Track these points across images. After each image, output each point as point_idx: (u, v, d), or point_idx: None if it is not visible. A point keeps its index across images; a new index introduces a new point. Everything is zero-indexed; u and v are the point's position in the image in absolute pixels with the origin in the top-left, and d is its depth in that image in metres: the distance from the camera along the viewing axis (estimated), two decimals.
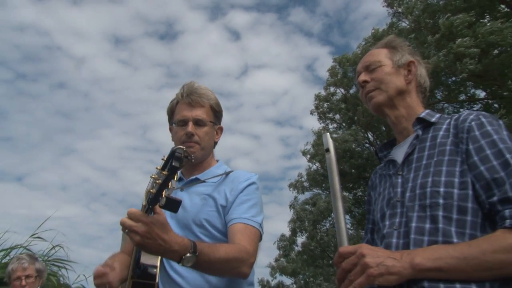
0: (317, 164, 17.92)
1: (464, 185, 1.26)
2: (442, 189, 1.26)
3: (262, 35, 33.39)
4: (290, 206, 18.51)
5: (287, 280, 19.92)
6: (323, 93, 18.66)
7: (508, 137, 1.29)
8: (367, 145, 17.68)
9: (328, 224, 17.90)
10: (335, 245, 16.56)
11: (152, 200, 1.26)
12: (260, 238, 1.76)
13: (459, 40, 9.78)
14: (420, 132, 1.44)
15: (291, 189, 18.84)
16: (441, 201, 1.25)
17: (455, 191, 1.26)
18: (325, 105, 18.61)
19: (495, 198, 1.20)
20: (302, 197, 18.58)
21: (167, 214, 1.66)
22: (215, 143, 1.98)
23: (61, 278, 6.83)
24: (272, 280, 20.36)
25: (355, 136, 16.38)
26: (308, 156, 17.96)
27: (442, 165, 1.31)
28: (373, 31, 14.01)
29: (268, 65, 35.48)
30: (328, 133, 1.39)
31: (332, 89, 18.33)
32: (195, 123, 1.86)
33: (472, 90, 13.18)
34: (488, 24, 10.07)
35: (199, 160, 1.91)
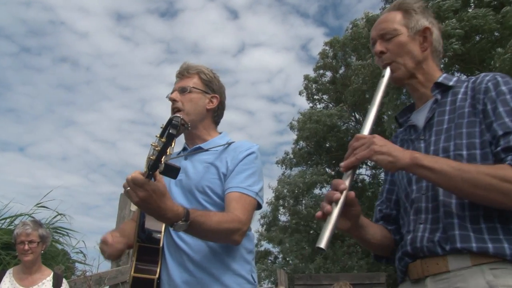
0: (302, 143, 18.53)
1: (484, 144, 1.27)
2: (465, 152, 1.28)
3: (259, 14, 33.85)
4: (278, 181, 18.90)
5: (274, 250, 20.51)
6: (312, 74, 19.14)
7: None
8: (353, 123, 18.36)
9: (310, 199, 18.33)
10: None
11: (152, 166, 1.31)
12: (257, 206, 1.82)
13: (446, 21, 10.47)
14: (439, 97, 1.44)
15: (278, 165, 19.31)
16: (465, 163, 1.26)
17: (477, 151, 1.27)
18: (314, 86, 19.17)
19: (499, 148, 1.23)
20: (288, 173, 18.98)
21: (172, 181, 1.81)
22: (212, 111, 2.01)
23: (61, 246, 7.09)
24: (259, 247, 20.95)
25: (341, 112, 16.95)
26: (296, 132, 18.45)
27: (462, 128, 1.32)
28: (365, 13, 14.52)
29: (265, 44, 36.09)
30: (388, 68, 1.49)
31: (321, 71, 18.82)
32: (180, 91, 1.94)
33: (457, 74, 13.94)
34: (472, 10, 10.79)
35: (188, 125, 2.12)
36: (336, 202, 1.21)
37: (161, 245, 1.80)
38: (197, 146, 1.96)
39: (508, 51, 9.24)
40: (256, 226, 20.43)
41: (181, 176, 1.79)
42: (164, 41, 37.85)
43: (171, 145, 1.30)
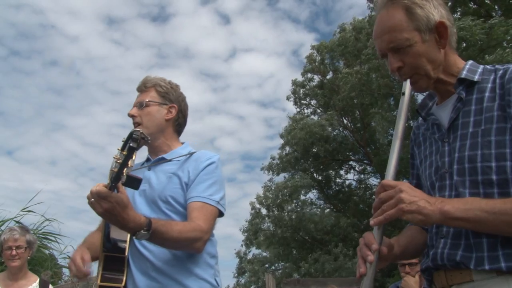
0: (288, 148, 18.47)
1: None
2: (494, 164, 1.19)
3: (251, 20, 33.94)
4: (263, 188, 18.82)
5: (261, 255, 20.47)
6: (300, 79, 19.07)
7: None
8: (341, 128, 18.39)
9: (295, 205, 18.36)
10: (307, 219, 17.05)
11: (115, 178, 1.37)
12: (218, 214, 1.88)
13: None
14: (463, 94, 1.30)
15: (264, 171, 19.15)
16: (494, 177, 1.18)
17: (508, 164, 1.18)
18: (301, 91, 19.13)
19: None
20: (277, 179, 18.90)
21: (136, 192, 1.86)
22: (172, 121, 2.06)
23: (49, 251, 7.12)
24: (248, 252, 20.95)
25: (330, 120, 16.98)
26: (284, 138, 18.38)
27: (490, 135, 1.21)
28: (352, 20, 14.60)
29: (256, 49, 36.18)
30: (409, 80, 1.36)
31: (309, 75, 18.85)
32: (138, 107, 2.01)
33: None
34: (459, 20, 10.90)
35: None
36: (371, 263, 1.23)
37: (126, 254, 1.84)
38: (160, 157, 2.01)
39: (495, 60, 9.38)
40: (239, 236, 20.47)
41: (144, 186, 1.87)
42: (155, 46, 37.73)
43: (132, 158, 1.35)
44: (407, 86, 1.37)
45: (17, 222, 6.98)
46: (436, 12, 1.31)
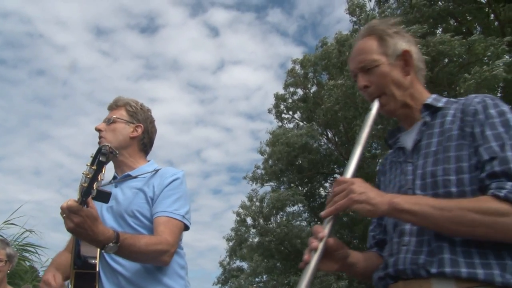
0: (270, 161, 18.39)
1: (472, 168, 1.24)
2: (453, 177, 1.25)
3: (239, 33, 34.34)
4: (248, 197, 18.69)
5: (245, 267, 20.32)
6: (282, 92, 19.03)
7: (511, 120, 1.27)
8: (325, 141, 18.47)
9: (281, 218, 18.32)
10: (295, 233, 16.95)
11: (85, 192, 1.40)
12: (184, 228, 1.94)
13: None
14: (428, 119, 1.40)
15: (248, 181, 18.98)
16: (453, 189, 1.24)
17: (466, 176, 1.24)
18: (282, 104, 19.09)
19: (483, 174, 1.21)
20: (262, 190, 18.84)
21: (103, 207, 1.94)
22: (136, 139, 2.14)
23: (29, 263, 7.00)
24: (232, 263, 20.76)
25: (311, 132, 16.99)
26: (266, 155, 18.41)
27: (450, 151, 1.29)
28: (336, 35, 14.76)
29: (244, 62, 36.59)
30: (377, 100, 1.46)
31: (291, 89, 18.89)
32: (106, 122, 2.11)
33: None
34: (439, 35, 11.16)
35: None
36: (315, 250, 1.24)
37: (97, 269, 1.89)
38: (126, 174, 2.09)
39: (473, 77, 9.57)
40: (224, 245, 20.33)
41: (111, 202, 1.95)
42: (143, 57, 37.83)
43: (102, 172, 1.38)
44: (375, 105, 1.46)
45: None
46: (405, 43, 1.48)
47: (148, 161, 2.19)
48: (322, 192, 19.83)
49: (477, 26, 13.29)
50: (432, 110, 1.43)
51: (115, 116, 2.13)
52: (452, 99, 1.45)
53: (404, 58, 1.46)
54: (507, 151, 1.20)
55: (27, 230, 7.11)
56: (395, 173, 1.49)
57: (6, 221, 7.02)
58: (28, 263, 7.00)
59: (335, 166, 19.12)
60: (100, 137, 2.08)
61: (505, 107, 1.31)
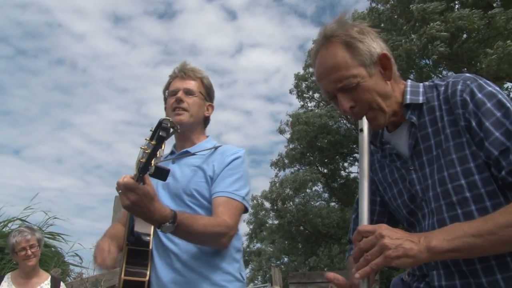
0: (294, 143, 18.47)
1: (480, 167, 1.17)
2: (463, 181, 1.18)
3: (257, 15, 34.21)
4: (271, 183, 18.79)
5: (267, 249, 20.60)
6: (302, 72, 19.02)
7: (504, 99, 1.18)
8: (344, 121, 18.38)
9: (301, 199, 18.36)
10: (314, 213, 17.00)
11: (142, 168, 1.32)
12: (244, 210, 1.85)
13: (431, 24, 10.61)
14: (414, 119, 1.30)
15: (272, 167, 19.24)
16: (468, 194, 1.18)
17: (476, 177, 1.17)
18: (304, 84, 19.13)
19: (503, 173, 1.13)
20: (282, 174, 19.01)
21: (159, 184, 1.86)
22: (206, 118, 2.07)
23: (54, 249, 7.26)
24: (252, 246, 21.10)
25: (331, 112, 16.92)
26: (288, 135, 18.46)
27: (451, 153, 1.21)
28: (352, 13, 14.61)
29: (262, 45, 36.54)
30: (365, 119, 1.31)
31: (311, 69, 18.93)
32: (186, 93, 1.96)
33: (444, 72, 14.07)
34: (457, 10, 10.97)
35: (187, 128, 1.97)
36: None
37: (150, 247, 1.84)
38: (185, 150, 1.99)
39: (495, 52, 9.42)
40: (245, 228, 20.62)
41: (168, 179, 1.76)
42: (162, 43, 38.08)
43: (161, 148, 1.29)
44: (364, 122, 1.32)
45: (23, 220, 7.14)
46: (376, 45, 1.30)
47: (207, 136, 2.10)
48: (342, 173, 19.87)
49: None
50: (414, 107, 1.32)
51: (198, 90, 1.99)
52: (428, 84, 1.35)
53: (382, 62, 1.30)
54: None
55: (50, 218, 7.35)
56: (394, 177, 1.40)
57: (27, 207, 7.24)
58: (53, 249, 7.22)
59: (355, 146, 19.09)
60: (179, 108, 1.94)
61: (490, 87, 1.20)
